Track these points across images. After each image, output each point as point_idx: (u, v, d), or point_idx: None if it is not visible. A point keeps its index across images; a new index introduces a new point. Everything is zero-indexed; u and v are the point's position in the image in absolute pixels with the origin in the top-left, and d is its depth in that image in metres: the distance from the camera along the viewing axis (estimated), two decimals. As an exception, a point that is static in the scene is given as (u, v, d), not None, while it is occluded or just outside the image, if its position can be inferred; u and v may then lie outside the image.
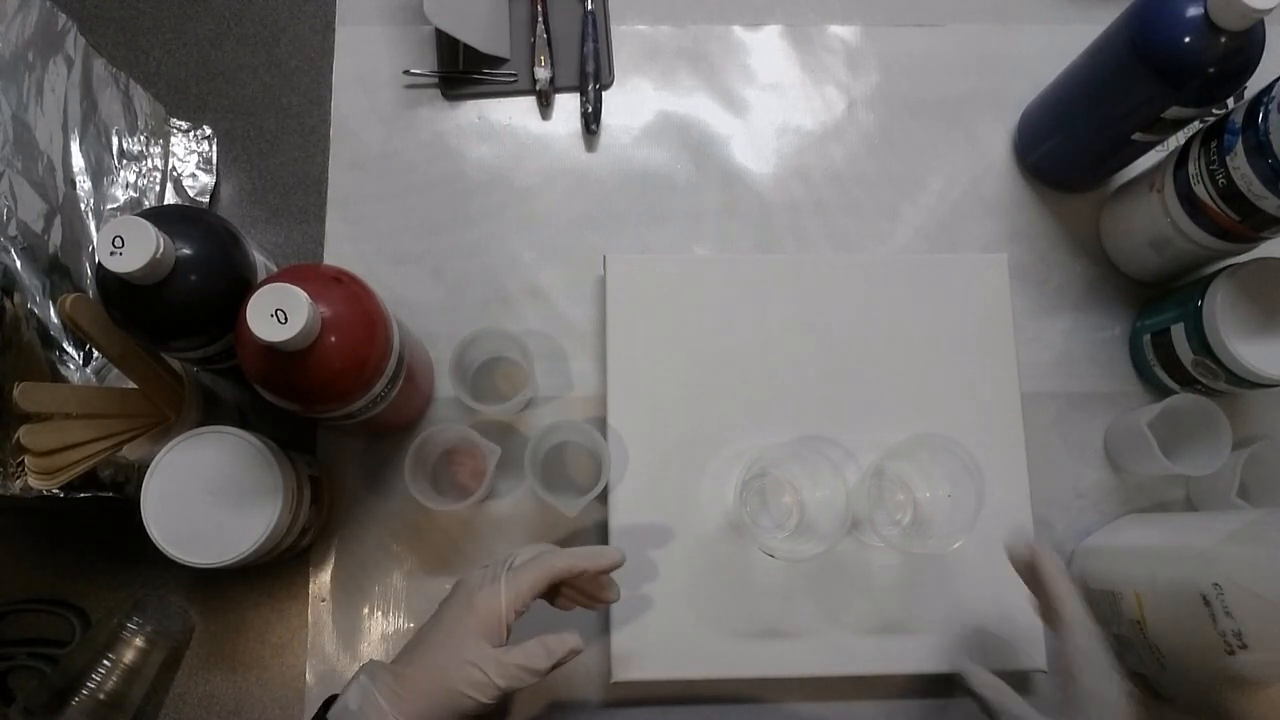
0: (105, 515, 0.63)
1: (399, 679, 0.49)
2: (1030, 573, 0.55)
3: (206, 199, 0.74)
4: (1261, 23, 0.57)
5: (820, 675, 0.64)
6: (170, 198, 0.73)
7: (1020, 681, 0.63)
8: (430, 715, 0.48)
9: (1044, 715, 0.52)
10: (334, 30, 0.79)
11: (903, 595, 0.61)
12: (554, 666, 0.50)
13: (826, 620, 0.64)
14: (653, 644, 0.63)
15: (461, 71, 0.77)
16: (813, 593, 0.64)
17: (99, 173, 0.67)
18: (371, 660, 0.53)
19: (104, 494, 0.62)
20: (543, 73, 0.76)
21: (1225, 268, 0.65)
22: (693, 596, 0.64)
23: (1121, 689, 0.51)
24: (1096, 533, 0.68)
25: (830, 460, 0.62)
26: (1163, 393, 0.71)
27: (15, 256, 0.58)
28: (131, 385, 0.60)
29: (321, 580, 0.68)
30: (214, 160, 0.75)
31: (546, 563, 0.52)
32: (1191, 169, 0.62)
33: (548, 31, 0.77)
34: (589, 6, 0.78)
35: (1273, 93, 0.56)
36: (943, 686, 0.66)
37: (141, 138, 0.72)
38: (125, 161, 0.70)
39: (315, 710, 0.51)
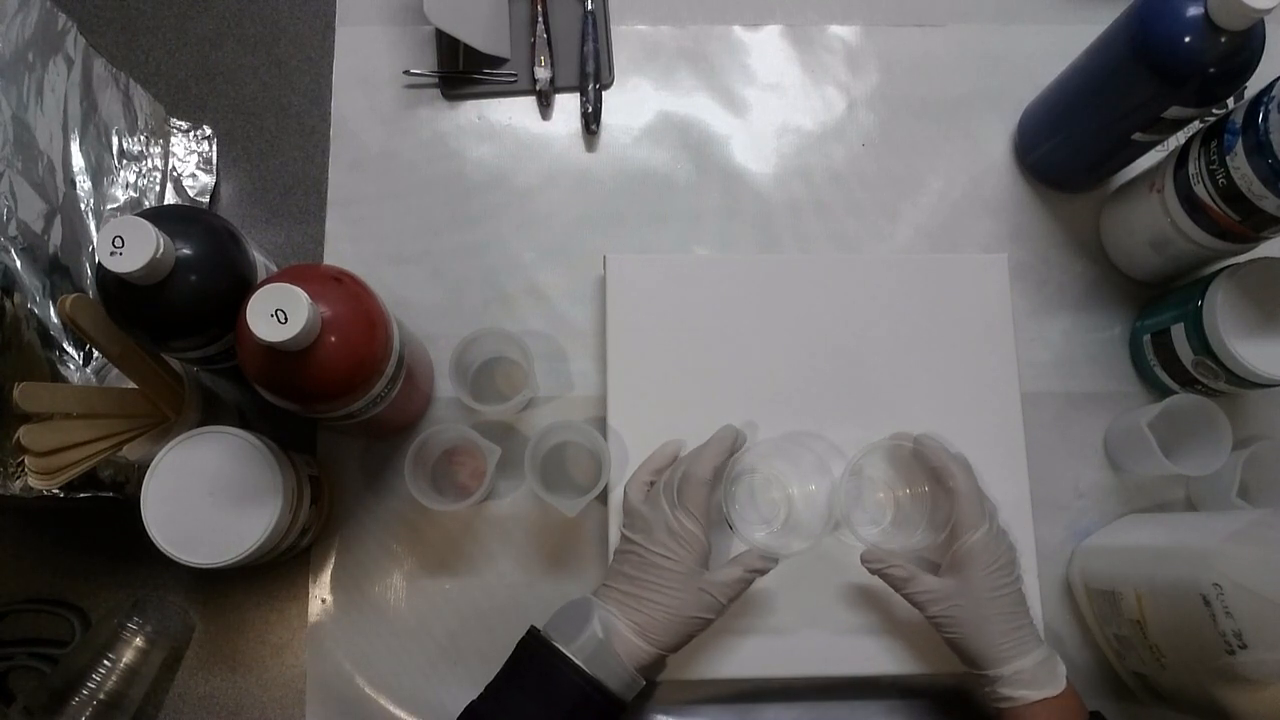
0: (105, 515, 0.63)
1: (640, 612, 0.56)
2: (919, 458, 0.61)
3: (206, 199, 0.74)
4: (1261, 23, 0.57)
5: (812, 676, 0.64)
6: (170, 198, 0.73)
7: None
8: (672, 640, 0.56)
9: (941, 578, 0.58)
10: (334, 30, 0.79)
11: (889, 596, 0.61)
12: (761, 572, 0.58)
13: (817, 621, 0.64)
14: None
15: (461, 71, 0.77)
16: (803, 593, 0.64)
17: (99, 173, 0.67)
18: (596, 595, 0.58)
19: (104, 494, 0.62)
20: (543, 73, 0.76)
21: (1225, 268, 0.65)
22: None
23: (1010, 550, 0.58)
24: (1096, 533, 0.68)
25: (816, 455, 0.62)
26: (1163, 393, 0.71)
27: (15, 256, 0.58)
28: (131, 385, 0.60)
29: (321, 580, 0.68)
30: (214, 160, 0.75)
31: (697, 477, 0.58)
32: (1191, 169, 0.62)
33: (548, 31, 0.77)
34: (589, 6, 0.78)
35: (1273, 93, 0.56)
36: (940, 687, 0.67)
37: (141, 138, 0.72)
38: (125, 161, 0.70)
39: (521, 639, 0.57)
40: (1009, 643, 0.56)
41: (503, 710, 0.55)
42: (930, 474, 0.61)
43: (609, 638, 0.55)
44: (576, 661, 0.54)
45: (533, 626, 0.57)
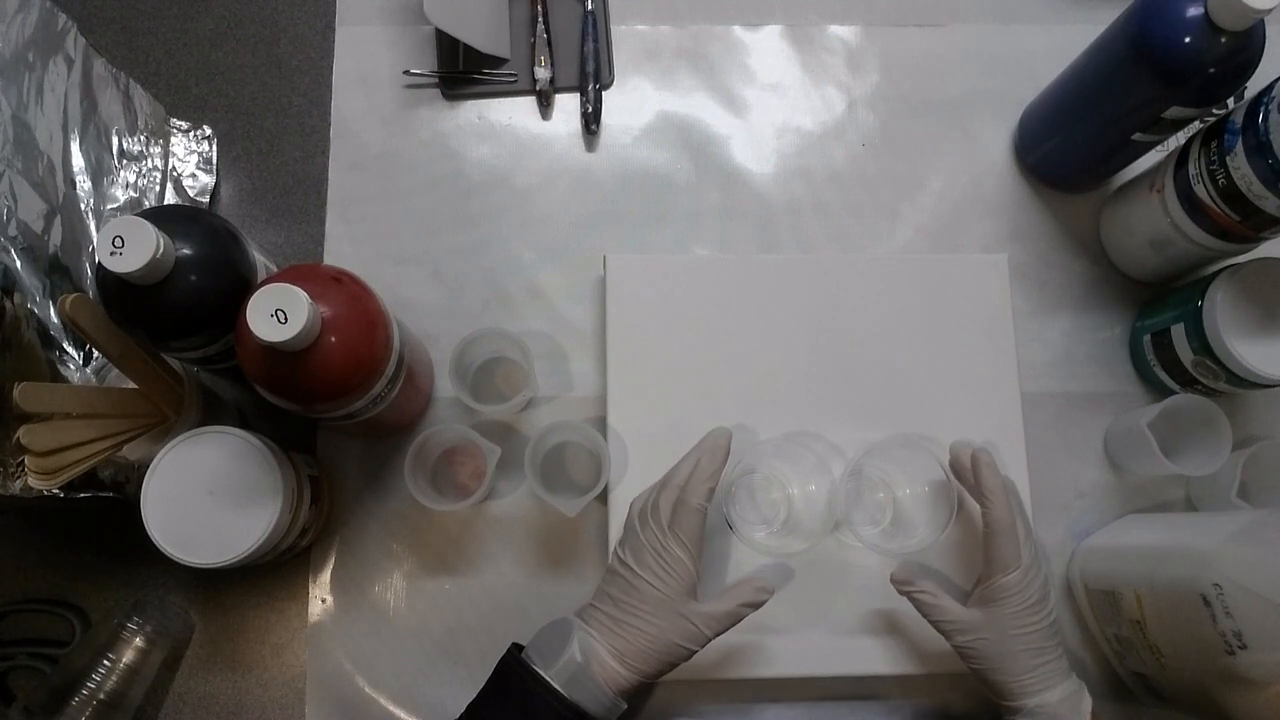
0: (105, 515, 0.63)
1: (619, 637, 0.55)
2: (968, 473, 0.59)
3: (206, 199, 0.74)
4: (1261, 23, 0.57)
5: (813, 675, 0.64)
6: (170, 198, 0.73)
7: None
8: (651, 667, 0.55)
9: (969, 608, 0.57)
10: (334, 30, 0.79)
11: (889, 595, 0.61)
12: (756, 607, 0.56)
13: (817, 621, 0.64)
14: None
15: (461, 71, 0.77)
16: (803, 593, 0.64)
17: (99, 173, 0.67)
18: (579, 616, 0.57)
19: (104, 494, 0.62)
20: (543, 73, 0.76)
21: (1225, 268, 0.65)
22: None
23: (1044, 585, 0.57)
24: (1096, 533, 0.68)
25: (816, 455, 0.62)
26: (1163, 393, 0.71)
27: (15, 256, 0.58)
28: (131, 385, 0.60)
29: (321, 580, 0.68)
30: (214, 160, 0.75)
31: (692, 505, 0.56)
32: (1191, 169, 0.62)
33: (548, 31, 0.77)
34: (589, 6, 0.78)
35: (1273, 93, 0.56)
36: (940, 687, 0.67)
37: (141, 138, 0.72)
38: (125, 161, 0.70)
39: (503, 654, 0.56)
40: (1034, 678, 0.55)
41: None
42: (972, 491, 0.60)
43: (588, 661, 0.53)
44: (555, 685, 0.53)
45: (513, 645, 0.57)
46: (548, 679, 0.53)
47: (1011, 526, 0.56)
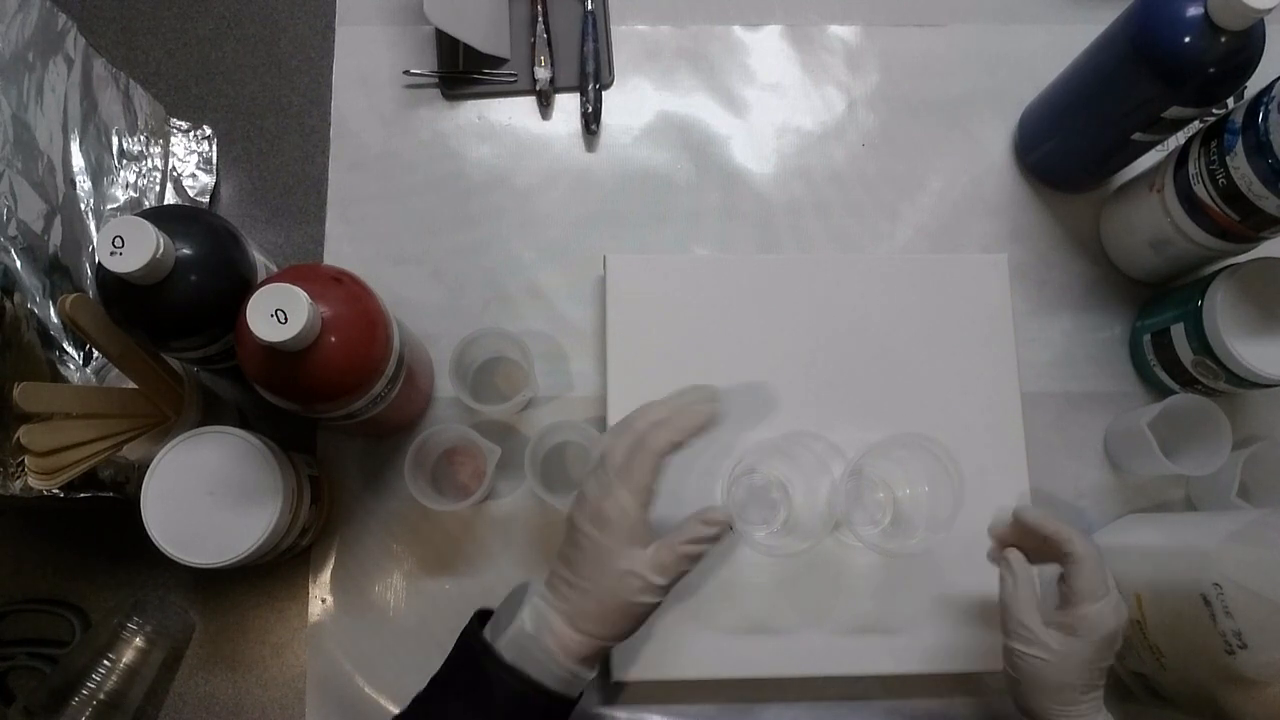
0: (105, 515, 0.63)
1: (568, 600, 0.50)
2: (1020, 535, 0.56)
3: (206, 199, 0.74)
4: (1261, 23, 0.57)
5: (813, 675, 0.64)
6: (170, 198, 0.73)
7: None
8: (607, 629, 0.50)
9: (1050, 630, 0.53)
10: (334, 30, 0.79)
11: (889, 595, 0.61)
12: (709, 541, 0.51)
13: (817, 621, 0.64)
14: (651, 644, 0.63)
15: (461, 71, 0.77)
16: (803, 593, 0.64)
17: (99, 173, 0.67)
18: (535, 580, 0.53)
19: (104, 494, 0.62)
20: (543, 73, 0.76)
21: (1225, 268, 0.65)
22: (687, 597, 0.64)
23: (1120, 617, 0.53)
24: (1096, 533, 0.68)
25: (815, 455, 0.62)
26: (1163, 393, 0.71)
27: (15, 256, 0.58)
28: (131, 385, 0.60)
29: (321, 580, 0.68)
30: (214, 160, 0.75)
31: (650, 448, 0.50)
32: (1191, 169, 0.62)
33: (548, 31, 0.77)
34: (589, 6, 0.78)
35: (1273, 93, 0.56)
36: (940, 687, 0.67)
37: (141, 138, 0.72)
38: (125, 161, 0.70)
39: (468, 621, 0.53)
40: (1077, 710, 0.52)
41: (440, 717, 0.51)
42: (1039, 543, 0.55)
43: (539, 630, 0.50)
44: (505, 659, 0.49)
45: (478, 611, 0.54)
46: (498, 652, 0.50)
47: (1096, 554, 0.53)
